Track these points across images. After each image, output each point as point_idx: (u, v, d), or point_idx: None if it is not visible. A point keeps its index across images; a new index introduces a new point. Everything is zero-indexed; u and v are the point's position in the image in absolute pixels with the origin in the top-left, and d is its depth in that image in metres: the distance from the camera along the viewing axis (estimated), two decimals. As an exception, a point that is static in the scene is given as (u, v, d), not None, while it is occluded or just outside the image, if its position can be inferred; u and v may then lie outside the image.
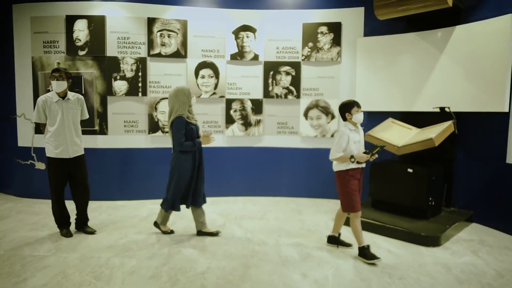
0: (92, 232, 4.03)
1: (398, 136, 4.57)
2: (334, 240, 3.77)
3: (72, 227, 4.11)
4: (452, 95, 4.52)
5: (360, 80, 5.31)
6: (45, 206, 5.05)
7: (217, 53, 5.54)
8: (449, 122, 4.32)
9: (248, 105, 5.61)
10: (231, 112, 5.60)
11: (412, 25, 4.98)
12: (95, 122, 5.30)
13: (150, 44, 5.35)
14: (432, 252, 3.67)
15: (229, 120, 5.61)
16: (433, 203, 4.35)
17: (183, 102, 3.78)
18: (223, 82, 5.56)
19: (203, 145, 3.90)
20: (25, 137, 5.45)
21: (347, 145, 3.41)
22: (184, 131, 3.75)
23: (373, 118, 5.26)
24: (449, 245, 3.85)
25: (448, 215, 4.51)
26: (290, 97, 5.61)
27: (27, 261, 3.33)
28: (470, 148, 4.68)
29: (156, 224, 4.11)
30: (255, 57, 5.57)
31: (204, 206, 4.09)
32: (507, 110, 4.11)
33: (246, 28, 5.55)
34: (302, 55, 5.56)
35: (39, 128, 5.32)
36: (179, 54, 5.43)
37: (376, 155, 3.46)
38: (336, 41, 5.48)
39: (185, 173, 3.84)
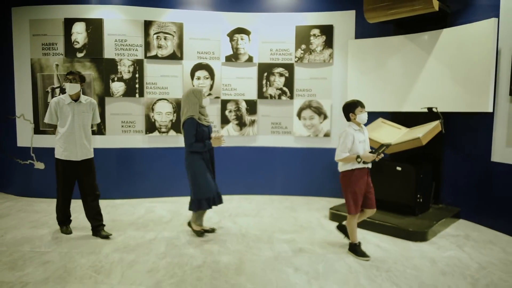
0: (107, 236, 3.95)
1: (388, 135, 4.73)
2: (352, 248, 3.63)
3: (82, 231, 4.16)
4: (439, 95, 4.68)
5: (351, 81, 5.47)
6: (44, 205, 5.17)
7: (212, 55, 5.67)
8: (436, 122, 4.48)
9: (243, 105, 5.76)
10: (226, 112, 5.74)
11: (401, 28, 5.14)
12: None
13: (147, 46, 5.48)
14: (419, 246, 3.83)
15: (224, 120, 5.75)
16: (421, 200, 4.51)
17: (193, 103, 3.84)
18: (218, 83, 5.70)
19: (214, 146, 3.92)
20: (24, 138, 5.55)
21: (352, 145, 3.40)
22: (194, 132, 3.79)
23: (364, 118, 5.42)
24: (435, 240, 4.01)
25: (436, 211, 4.67)
26: (283, 98, 5.76)
27: (29, 256, 3.45)
28: (457, 147, 4.85)
29: (189, 224, 4.15)
30: (250, 59, 5.72)
31: None
32: (491, 110, 4.27)
33: (240, 30, 5.69)
34: (295, 57, 5.71)
35: (38, 128, 5.47)
36: (175, 56, 5.56)
37: (382, 155, 3.45)
38: (328, 43, 5.63)
39: (202, 170, 3.87)
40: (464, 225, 4.56)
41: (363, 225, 4.33)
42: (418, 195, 4.47)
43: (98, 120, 4.15)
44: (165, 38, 5.51)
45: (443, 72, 4.66)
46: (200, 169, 3.87)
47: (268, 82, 5.75)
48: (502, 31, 4.22)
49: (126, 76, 5.45)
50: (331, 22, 5.62)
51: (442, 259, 3.50)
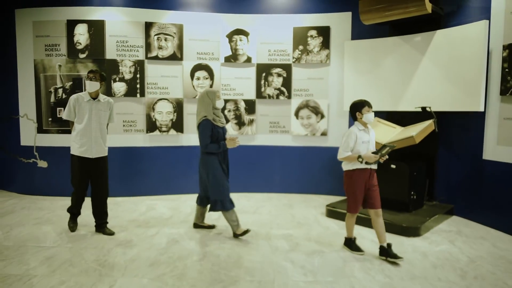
0: (111, 233, 4.03)
1: (383, 134, 4.85)
2: (385, 252, 3.45)
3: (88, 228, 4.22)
4: (432, 95, 4.80)
5: (347, 81, 5.59)
6: (47, 203, 5.29)
7: (211, 55, 5.80)
8: (430, 121, 4.60)
9: (242, 105, 5.88)
10: (226, 112, 5.86)
11: (396, 30, 5.27)
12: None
13: (148, 47, 5.60)
14: (412, 241, 3.95)
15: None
16: (415, 197, 4.64)
17: (207, 104, 3.87)
18: (218, 84, 5.82)
19: (228, 147, 3.96)
20: (28, 137, 5.67)
21: (355, 144, 3.38)
22: (210, 133, 3.82)
23: (360, 118, 5.55)
24: (428, 235, 4.14)
25: (430, 208, 4.80)
26: (281, 97, 5.88)
27: (35, 251, 3.57)
28: (451, 146, 4.98)
29: (234, 235, 3.98)
30: (248, 60, 5.84)
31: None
32: (482, 110, 4.40)
33: (239, 31, 5.81)
34: (293, 58, 5.84)
35: (41, 127, 5.58)
36: (176, 57, 5.68)
37: (387, 156, 3.41)
38: (325, 44, 5.76)
39: (218, 171, 3.89)
40: (457, 221, 4.68)
41: (358, 221, 4.46)
42: (412, 192, 4.60)
43: (114, 120, 4.20)
44: (165, 39, 5.63)
45: (436, 73, 4.78)
46: (220, 170, 3.90)
47: (266, 82, 5.87)
48: (493, 33, 4.35)
49: (128, 76, 5.57)
50: (328, 24, 5.75)
51: (433, 253, 3.63)
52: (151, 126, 5.69)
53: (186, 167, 5.85)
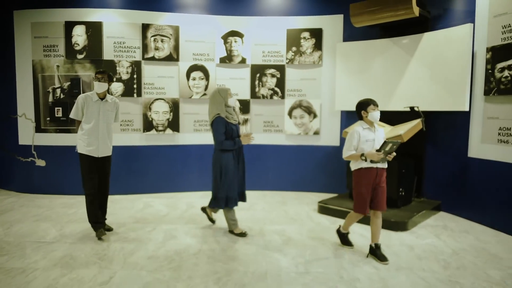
0: (109, 229, 4.11)
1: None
2: (373, 252, 3.51)
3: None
4: (420, 95, 4.98)
5: (339, 82, 5.75)
6: (46, 201, 5.41)
7: (207, 56, 5.94)
8: (418, 120, 4.78)
9: (237, 105, 6.02)
10: (221, 111, 6.00)
11: (386, 32, 5.44)
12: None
13: (145, 48, 5.73)
14: (399, 235, 4.12)
15: (219, 119, 6.01)
16: (403, 193, 4.81)
17: (219, 103, 3.92)
18: (213, 84, 5.96)
19: (243, 144, 4.00)
20: (26, 136, 5.77)
21: (358, 143, 3.35)
22: (224, 130, 3.85)
23: (351, 117, 5.73)
24: (415, 230, 4.31)
25: (418, 204, 4.98)
26: (275, 97, 6.03)
27: (36, 246, 3.69)
28: (438, 144, 5.16)
29: (230, 232, 4.11)
30: (243, 61, 5.99)
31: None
32: (467, 109, 4.58)
33: (234, 33, 5.95)
34: (286, 59, 5.99)
35: (39, 127, 5.69)
36: (172, 58, 5.81)
37: (394, 153, 3.35)
38: (318, 46, 5.92)
39: (230, 170, 3.90)
40: (443, 216, 4.86)
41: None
42: (400, 189, 4.77)
43: (119, 120, 4.25)
44: (162, 41, 5.76)
45: (424, 73, 4.96)
46: (231, 168, 3.92)
47: (260, 83, 6.02)
48: (477, 36, 4.53)
49: (125, 76, 5.70)
50: (320, 26, 5.91)
51: (419, 246, 3.80)
52: (148, 125, 5.82)
53: (182, 166, 5.99)
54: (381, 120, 5.34)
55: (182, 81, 5.88)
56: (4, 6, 5.66)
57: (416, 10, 4.63)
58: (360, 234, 4.15)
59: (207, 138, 6.02)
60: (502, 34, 4.23)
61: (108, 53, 5.65)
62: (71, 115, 3.99)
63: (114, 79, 5.54)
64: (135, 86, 5.74)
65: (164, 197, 5.73)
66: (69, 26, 5.57)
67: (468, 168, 4.73)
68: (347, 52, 5.68)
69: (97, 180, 4.01)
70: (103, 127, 3.97)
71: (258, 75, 6.02)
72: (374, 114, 3.36)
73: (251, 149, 6.11)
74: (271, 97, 6.04)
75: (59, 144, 5.71)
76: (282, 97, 6.04)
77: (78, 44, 5.60)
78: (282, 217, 4.79)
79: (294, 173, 6.11)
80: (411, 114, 4.95)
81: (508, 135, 4.20)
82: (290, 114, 6.05)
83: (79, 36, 5.59)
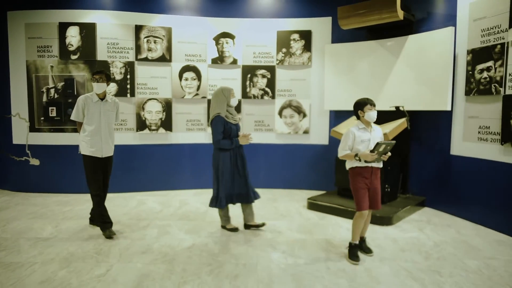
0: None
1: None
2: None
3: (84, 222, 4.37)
4: (405, 95, 5.17)
5: (328, 82, 5.93)
6: (40, 199, 5.49)
7: (199, 57, 6.07)
8: (403, 119, 4.97)
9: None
10: (213, 111, 6.14)
11: (372, 34, 5.63)
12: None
13: (138, 49, 5.84)
14: (384, 229, 4.31)
15: (211, 119, 6.15)
16: (388, 190, 5.00)
17: (221, 102, 3.96)
18: (205, 84, 6.09)
19: (242, 144, 4.04)
20: (20, 135, 5.84)
21: (354, 143, 3.36)
22: (222, 129, 3.90)
23: (340, 116, 5.91)
24: (400, 224, 4.50)
25: (403, 200, 5.18)
26: (266, 97, 6.19)
27: (33, 242, 3.79)
28: (422, 142, 5.36)
29: (222, 227, 4.25)
30: (234, 61, 6.14)
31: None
32: (449, 109, 4.78)
33: (225, 35, 6.10)
34: (277, 60, 6.15)
35: (33, 126, 5.77)
36: (164, 59, 5.94)
37: (389, 154, 3.38)
38: (307, 47, 6.09)
39: (225, 170, 3.96)
40: (428, 212, 5.06)
41: (338, 212, 4.82)
42: (386, 185, 4.96)
43: (119, 120, 4.25)
44: (154, 42, 5.88)
45: (408, 74, 5.15)
46: (228, 167, 3.97)
47: (251, 83, 6.17)
48: (458, 38, 4.74)
49: (118, 77, 5.80)
50: (309, 28, 6.08)
51: (403, 239, 3.99)
52: (141, 124, 5.93)
53: (174, 164, 6.12)
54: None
55: (174, 81, 6.00)
56: (-2, 7, 5.73)
57: (400, 14, 4.82)
58: (346, 228, 4.32)
59: (199, 137, 6.17)
60: (481, 37, 4.43)
61: (101, 54, 5.75)
62: (72, 117, 3.99)
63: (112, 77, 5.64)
64: (128, 86, 5.85)
65: (158, 195, 5.85)
66: (63, 27, 5.66)
67: (450, 165, 4.93)
68: (336, 54, 5.85)
69: (101, 183, 4.02)
70: (105, 127, 3.99)
71: (249, 75, 6.17)
72: (371, 114, 3.37)
73: (243, 148, 6.25)
74: (262, 97, 6.19)
75: (53, 143, 5.80)
76: (273, 97, 6.20)
77: (72, 45, 5.69)
78: (272, 213, 4.95)
79: (284, 171, 6.27)
80: (397, 113, 5.14)
81: (487, 133, 4.41)
82: (280, 113, 6.21)
83: (73, 37, 5.68)
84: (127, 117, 5.89)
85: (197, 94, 6.07)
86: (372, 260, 3.45)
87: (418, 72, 5.05)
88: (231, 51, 6.12)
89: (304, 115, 6.17)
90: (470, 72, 4.57)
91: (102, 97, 4.00)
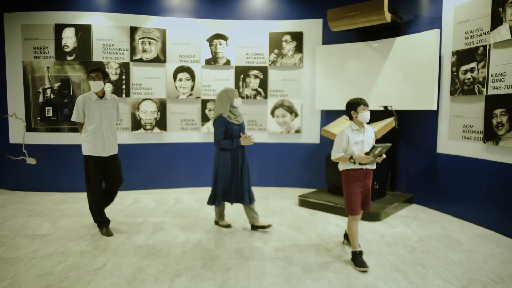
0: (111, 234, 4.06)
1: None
2: (347, 237, 3.71)
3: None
4: (393, 95, 5.33)
5: (319, 83, 6.08)
6: (37, 197, 5.59)
7: (193, 58, 6.19)
8: (391, 119, 5.13)
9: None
10: (206, 111, 6.28)
11: (362, 36, 5.78)
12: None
13: (133, 50, 5.96)
14: (372, 225, 4.46)
15: (205, 118, 6.28)
16: (377, 187, 5.15)
17: (225, 102, 4.01)
18: (199, 85, 6.22)
19: (243, 145, 4.06)
20: (16, 135, 5.93)
21: (347, 145, 3.29)
22: (223, 129, 3.94)
23: (331, 116, 6.06)
24: (387, 220, 4.66)
25: (391, 197, 5.34)
26: (258, 97, 6.33)
27: (31, 238, 3.90)
28: (410, 141, 5.52)
29: (216, 222, 4.40)
30: (227, 62, 6.27)
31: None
32: (435, 109, 4.95)
33: (219, 36, 6.23)
34: (269, 61, 6.29)
35: (30, 126, 5.85)
36: (159, 59, 6.05)
37: (384, 156, 3.36)
38: (299, 48, 6.24)
39: (224, 169, 4.04)
40: (415, 208, 5.23)
41: (328, 209, 4.97)
42: (375, 183, 5.11)
43: (120, 117, 4.23)
44: (149, 43, 6.00)
45: (396, 75, 5.32)
46: (226, 172, 4.05)
47: (244, 83, 6.31)
48: (444, 40, 4.90)
49: (114, 77, 5.91)
50: (301, 29, 6.22)
51: (389, 234, 4.14)
52: (136, 124, 6.05)
53: (169, 163, 6.24)
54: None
55: (169, 82, 6.12)
56: (-6, 9, 5.82)
57: (388, 17, 4.97)
58: (335, 224, 4.47)
59: (193, 136, 6.30)
60: (465, 39, 4.60)
61: (97, 55, 5.85)
62: (73, 118, 3.96)
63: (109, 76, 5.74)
64: (123, 86, 5.96)
65: (152, 193, 5.96)
66: (59, 28, 5.76)
67: (437, 163, 5.10)
68: (326, 55, 6.00)
69: (101, 184, 4.04)
70: (106, 125, 3.95)
71: (242, 76, 6.30)
72: (364, 115, 3.29)
73: (236, 146, 6.39)
74: (255, 97, 6.33)
75: (50, 143, 5.89)
76: (265, 97, 6.33)
77: (68, 46, 5.79)
78: (264, 210, 5.09)
79: (277, 169, 6.41)
80: (385, 113, 5.30)
81: (471, 132, 4.58)
82: (272, 113, 6.35)
83: (69, 38, 5.78)
84: (122, 117, 5.99)
85: (191, 95, 6.19)
86: (359, 253, 3.59)
87: (406, 72, 5.21)
88: (224, 52, 6.25)
89: (296, 115, 6.31)
90: (455, 73, 4.74)
91: (101, 95, 3.97)
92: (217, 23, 6.22)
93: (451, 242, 3.91)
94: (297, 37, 6.23)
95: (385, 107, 5.30)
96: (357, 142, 3.30)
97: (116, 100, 4.12)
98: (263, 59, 6.30)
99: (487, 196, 4.37)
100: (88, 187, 4.03)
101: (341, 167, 3.41)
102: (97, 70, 3.91)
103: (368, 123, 5.36)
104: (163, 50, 6.06)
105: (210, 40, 6.22)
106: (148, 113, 6.07)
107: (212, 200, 4.20)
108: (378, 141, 4.94)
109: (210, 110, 6.28)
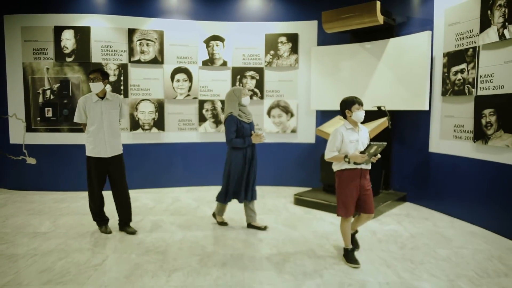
0: (133, 232, 4.08)
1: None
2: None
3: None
4: (386, 96, 5.44)
5: (314, 83, 6.19)
6: (37, 197, 5.69)
7: (190, 59, 6.30)
8: (384, 119, 5.24)
9: (218, 105, 6.40)
10: (203, 111, 6.38)
11: (356, 37, 5.89)
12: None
13: (131, 51, 6.06)
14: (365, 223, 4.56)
15: (202, 119, 6.38)
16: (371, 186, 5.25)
17: (233, 102, 4.05)
18: (196, 85, 6.32)
19: (254, 143, 4.09)
20: (17, 135, 6.03)
21: (342, 144, 3.23)
22: (234, 128, 3.97)
23: (326, 116, 6.17)
24: (380, 218, 4.77)
25: (385, 196, 5.45)
26: (255, 98, 6.43)
27: (32, 236, 4.00)
28: (403, 140, 5.64)
29: (213, 214, 4.47)
30: (224, 63, 6.37)
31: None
32: (427, 109, 5.06)
33: (216, 37, 6.33)
34: (265, 62, 6.40)
35: (30, 126, 5.96)
36: (157, 61, 6.16)
37: (379, 155, 3.29)
38: (294, 50, 6.34)
39: (236, 168, 4.07)
40: (408, 206, 5.34)
41: (322, 207, 5.08)
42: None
43: (124, 116, 4.21)
44: (147, 44, 6.10)
45: (389, 76, 5.43)
46: (238, 170, 4.08)
47: (241, 84, 6.41)
48: (435, 42, 5.01)
49: (112, 78, 6.01)
50: (296, 31, 6.33)
51: (381, 231, 4.25)
52: (135, 124, 6.15)
53: (167, 163, 6.34)
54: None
55: (166, 82, 6.22)
56: (-6, 11, 5.91)
57: (380, 19, 5.08)
58: (329, 222, 4.58)
59: (191, 136, 6.40)
60: (456, 41, 4.71)
61: (96, 56, 5.95)
62: (75, 119, 3.96)
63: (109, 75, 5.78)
64: (122, 87, 6.06)
65: (150, 192, 6.07)
66: (58, 30, 5.86)
67: (429, 162, 5.21)
68: (321, 56, 6.11)
69: (104, 183, 4.07)
70: (107, 126, 3.92)
71: (238, 77, 6.40)
72: (358, 114, 3.23)
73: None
74: (251, 97, 6.43)
75: (49, 143, 5.99)
76: (261, 97, 6.44)
77: (67, 48, 5.89)
78: (260, 208, 5.19)
79: (273, 168, 6.52)
80: (378, 113, 5.41)
81: (461, 132, 4.69)
82: (269, 113, 6.46)
83: (68, 40, 5.88)
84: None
85: (188, 95, 6.30)
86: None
87: (398, 73, 5.32)
88: (221, 53, 6.35)
89: (292, 115, 6.42)
90: (446, 74, 4.85)
91: (102, 95, 3.93)
92: (214, 24, 6.33)
93: (440, 239, 4.02)
94: (293, 39, 6.33)
95: (379, 107, 5.41)
96: (352, 141, 3.23)
97: (119, 100, 4.06)
98: (259, 60, 6.41)
99: (477, 194, 4.48)
100: (89, 188, 4.07)
101: (336, 167, 3.35)
102: (96, 71, 3.87)
103: (362, 123, 5.53)
104: (161, 51, 6.16)
105: (207, 42, 6.32)
106: (146, 113, 6.17)
107: (223, 198, 4.24)
108: (371, 140, 5.05)
109: (207, 110, 6.38)
